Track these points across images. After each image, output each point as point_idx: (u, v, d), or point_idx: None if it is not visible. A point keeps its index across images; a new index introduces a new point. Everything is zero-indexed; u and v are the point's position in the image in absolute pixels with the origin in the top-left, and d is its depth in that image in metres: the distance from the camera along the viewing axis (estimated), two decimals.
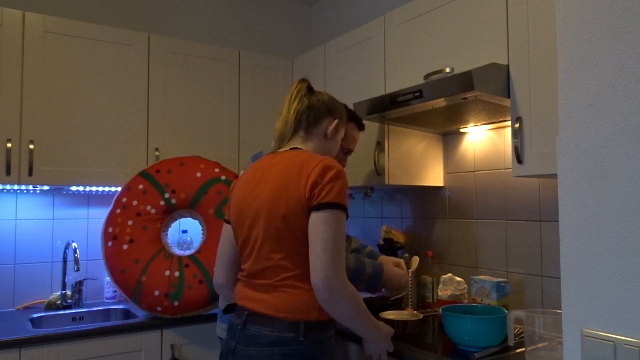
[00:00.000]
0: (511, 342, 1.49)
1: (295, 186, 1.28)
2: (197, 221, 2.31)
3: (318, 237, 1.23)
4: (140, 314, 2.18)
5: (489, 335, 1.50)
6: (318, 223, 1.24)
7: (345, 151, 1.81)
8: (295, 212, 1.27)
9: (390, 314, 1.80)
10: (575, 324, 0.86)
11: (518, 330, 1.71)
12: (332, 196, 1.25)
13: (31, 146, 2.10)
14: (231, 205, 1.44)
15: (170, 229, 2.28)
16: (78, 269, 2.21)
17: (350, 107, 2.33)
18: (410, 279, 2.13)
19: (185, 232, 2.63)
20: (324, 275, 1.21)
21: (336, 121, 1.49)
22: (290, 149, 1.42)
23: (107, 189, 2.40)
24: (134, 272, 2.10)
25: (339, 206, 1.26)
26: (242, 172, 1.74)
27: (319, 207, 1.25)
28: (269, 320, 1.26)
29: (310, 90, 1.50)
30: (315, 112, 1.46)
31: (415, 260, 2.19)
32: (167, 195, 2.13)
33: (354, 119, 1.80)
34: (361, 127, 1.85)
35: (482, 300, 1.84)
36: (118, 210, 2.19)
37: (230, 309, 1.39)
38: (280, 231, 1.28)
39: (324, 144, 1.48)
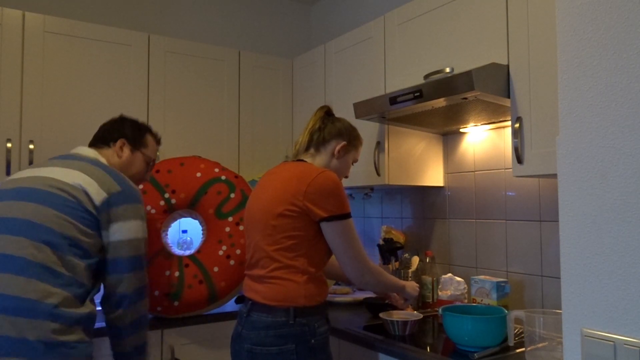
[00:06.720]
0: (511, 342, 1.49)
1: (293, 191, 1.46)
2: (197, 221, 2.31)
3: (339, 248, 1.49)
4: None
5: (489, 336, 1.50)
6: (335, 235, 1.48)
7: (149, 162, 1.78)
8: (289, 213, 1.46)
9: (390, 314, 1.80)
10: (575, 324, 0.86)
11: (518, 330, 1.71)
12: (335, 207, 1.46)
13: (31, 146, 2.10)
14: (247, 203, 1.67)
15: (170, 229, 2.27)
16: None
17: (350, 107, 2.33)
18: (410, 279, 2.13)
19: (185, 232, 2.63)
20: (354, 275, 1.53)
21: (344, 143, 1.64)
22: (298, 160, 1.61)
23: None
24: None
25: (346, 215, 1.48)
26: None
27: (329, 219, 1.46)
28: (266, 308, 1.46)
29: (328, 115, 1.69)
30: (325, 133, 1.63)
31: (415, 260, 2.19)
32: (167, 195, 2.13)
33: (150, 132, 1.79)
34: (158, 142, 1.85)
35: (482, 300, 1.84)
36: None
37: (241, 299, 1.63)
38: (274, 227, 1.47)
39: (331, 162, 1.64)
